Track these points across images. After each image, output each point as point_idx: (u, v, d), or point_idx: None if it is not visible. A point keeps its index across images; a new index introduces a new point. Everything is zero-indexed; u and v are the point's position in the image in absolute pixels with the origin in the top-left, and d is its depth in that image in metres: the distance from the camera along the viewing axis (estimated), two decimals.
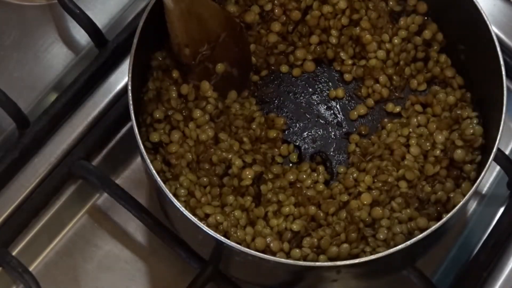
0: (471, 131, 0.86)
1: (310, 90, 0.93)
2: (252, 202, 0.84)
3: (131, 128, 0.83)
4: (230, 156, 0.85)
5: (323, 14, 0.92)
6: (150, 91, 0.87)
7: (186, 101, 0.87)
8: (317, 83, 0.93)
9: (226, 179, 0.85)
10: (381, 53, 0.91)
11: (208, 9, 0.87)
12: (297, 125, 0.92)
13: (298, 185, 0.86)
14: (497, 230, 0.94)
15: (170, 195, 0.80)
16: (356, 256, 0.82)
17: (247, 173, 0.84)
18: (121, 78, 0.97)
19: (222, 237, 0.79)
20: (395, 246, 0.79)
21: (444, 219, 0.80)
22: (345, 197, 0.85)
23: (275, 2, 0.91)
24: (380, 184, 0.85)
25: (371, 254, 0.82)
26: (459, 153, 0.86)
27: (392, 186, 0.85)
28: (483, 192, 0.98)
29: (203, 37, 0.88)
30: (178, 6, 0.85)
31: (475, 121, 0.87)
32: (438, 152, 0.86)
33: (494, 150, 0.82)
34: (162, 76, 0.88)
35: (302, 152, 0.90)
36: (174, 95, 0.87)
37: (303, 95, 0.93)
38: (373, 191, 0.85)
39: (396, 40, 0.91)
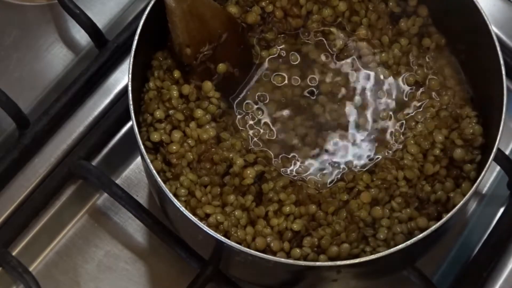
0: (471, 130, 0.86)
1: None
2: (253, 201, 0.84)
3: (131, 128, 0.83)
4: (231, 155, 0.85)
5: (324, 17, 0.92)
6: (151, 91, 0.87)
7: (188, 101, 0.87)
8: None
9: (227, 178, 0.85)
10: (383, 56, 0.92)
11: (209, 9, 0.87)
12: None
13: (299, 183, 0.86)
14: (497, 230, 0.94)
15: (171, 195, 0.80)
16: (357, 256, 0.82)
17: (248, 172, 0.84)
18: (121, 78, 0.97)
19: (223, 237, 0.79)
20: (395, 246, 0.79)
21: (444, 219, 0.80)
22: (344, 197, 0.85)
23: (276, 4, 0.91)
24: (379, 182, 0.85)
25: (371, 254, 0.82)
26: (458, 152, 0.86)
27: (391, 184, 0.85)
28: (483, 192, 0.98)
29: (205, 37, 0.88)
30: (180, 6, 0.85)
31: (474, 121, 0.87)
32: (437, 151, 0.86)
33: (494, 150, 0.82)
34: (163, 75, 0.88)
35: None
36: (175, 94, 0.87)
37: None
38: (372, 190, 0.85)
39: (396, 50, 0.91)
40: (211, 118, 0.87)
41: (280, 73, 0.90)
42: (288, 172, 0.87)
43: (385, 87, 0.90)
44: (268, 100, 0.89)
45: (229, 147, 0.86)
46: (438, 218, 0.83)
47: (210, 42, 0.88)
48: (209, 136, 0.86)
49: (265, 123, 0.89)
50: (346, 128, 0.89)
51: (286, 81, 0.90)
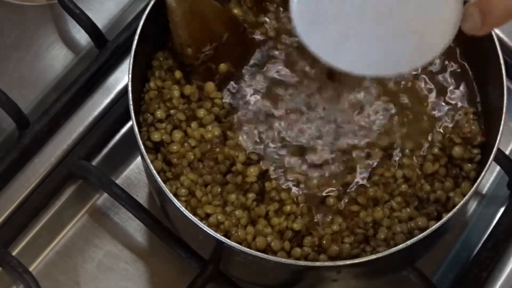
0: (468, 129, 0.86)
1: None
2: (254, 200, 0.84)
3: (131, 128, 0.83)
4: (236, 153, 0.85)
5: None
6: (151, 91, 0.87)
7: (189, 101, 0.87)
8: None
9: (229, 176, 0.85)
10: None
11: (210, 9, 0.87)
12: None
13: (301, 182, 0.86)
14: (497, 230, 0.94)
15: (171, 195, 0.80)
16: (357, 255, 0.82)
17: (252, 170, 0.85)
18: (121, 78, 0.97)
19: (223, 237, 0.79)
20: (395, 245, 0.79)
21: (444, 219, 0.80)
22: (345, 196, 0.85)
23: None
24: (376, 178, 0.85)
25: (372, 253, 0.82)
26: (457, 150, 0.86)
27: (390, 183, 0.85)
28: (483, 192, 0.98)
29: (206, 37, 0.88)
30: (181, 6, 0.85)
31: (472, 118, 0.87)
32: (436, 149, 0.87)
33: (494, 150, 0.82)
34: (165, 75, 0.88)
35: None
36: (176, 94, 0.87)
37: None
38: (370, 189, 0.85)
39: None
40: (215, 118, 0.87)
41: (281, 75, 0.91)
42: (290, 171, 0.87)
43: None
44: (269, 101, 0.90)
45: (233, 146, 0.86)
46: (438, 217, 0.83)
47: (211, 42, 0.88)
48: (213, 135, 0.86)
49: (267, 123, 0.89)
50: (347, 128, 0.89)
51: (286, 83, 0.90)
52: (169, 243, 0.91)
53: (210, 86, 0.88)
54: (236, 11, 0.91)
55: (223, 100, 0.88)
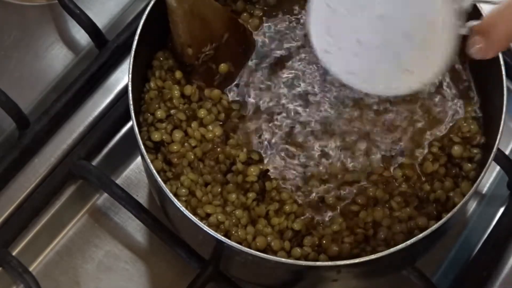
0: (468, 128, 0.87)
1: None
2: (254, 200, 0.84)
3: (131, 128, 0.83)
4: (237, 153, 0.85)
5: None
6: (151, 91, 0.87)
7: (190, 101, 0.88)
8: None
9: (230, 176, 0.85)
10: None
11: (211, 9, 0.87)
12: None
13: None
14: (497, 230, 0.94)
15: (171, 195, 0.80)
16: (357, 255, 0.82)
17: (252, 169, 0.85)
18: (121, 78, 0.97)
19: (223, 237, 0.79)
20: (395, 245, 0.79)
21: (444, 219, 0.80)
22: (345, 196, 0.85)
23: None
24: (376, 178, 0.85)
25: (372, 253, 0.82)
26: (456, 149, 0.86)
27: (389, 182, 0.85)
28: (483, 192, 0.98)
29: (206, 37, 0.88)
30: (181, 6, 0.85)
31: (471, 118, 0.87)
32: (435, 149, 0.87)
33: (494, 150, 0.82)
34: (165, 75, 0.88)
35: None
36: (176, 94, 0.87)
37: None
38: (370, 189, 0.85)
39: None
40: (220, 119, 0.87)
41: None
42: (292, 170, 0.87)
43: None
44: (271, 100, 0.90)
45: (235, 145, 0.86)
46: (438, 217, 0.84)
47: (211, 42, 0.88)
48: (214, 135, 0.86)
49: (269, 122, 0.89)
50: (348, 128, 0.89)
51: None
52: (169, 243, 0.91)
53: (215, 93, 0.88)
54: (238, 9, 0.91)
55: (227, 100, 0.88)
